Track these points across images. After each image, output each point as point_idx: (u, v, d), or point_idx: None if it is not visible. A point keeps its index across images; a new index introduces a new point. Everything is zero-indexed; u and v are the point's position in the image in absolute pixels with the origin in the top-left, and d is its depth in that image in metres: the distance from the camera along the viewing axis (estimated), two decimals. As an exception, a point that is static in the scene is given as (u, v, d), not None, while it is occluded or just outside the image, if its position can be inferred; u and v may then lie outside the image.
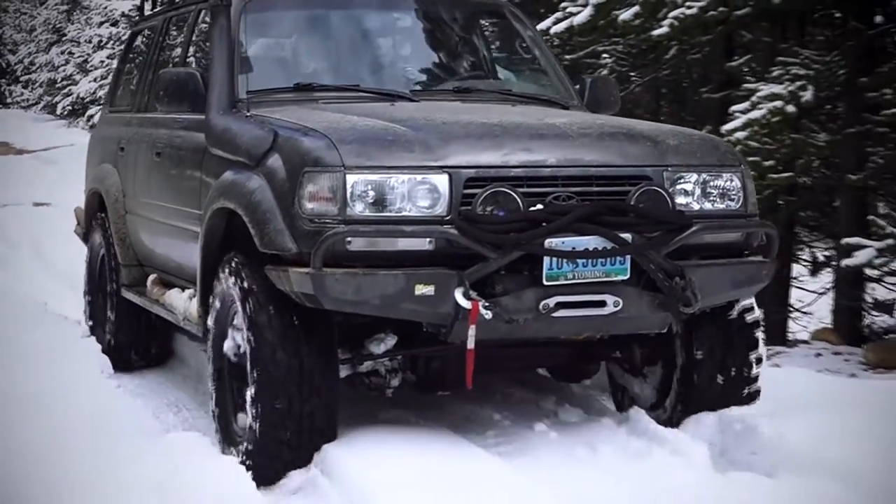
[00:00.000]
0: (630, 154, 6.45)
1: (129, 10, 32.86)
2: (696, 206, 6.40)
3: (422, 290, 5.90)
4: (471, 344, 5.98)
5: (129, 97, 9.54)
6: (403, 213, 6.03)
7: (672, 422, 7.02)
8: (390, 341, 6.43)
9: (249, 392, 6.33)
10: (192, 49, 8.24)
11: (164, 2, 9.74)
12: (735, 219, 6.52)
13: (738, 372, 6.90)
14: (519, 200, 6.01)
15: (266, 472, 6.37)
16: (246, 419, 6.51)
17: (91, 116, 37.16)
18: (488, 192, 5.99)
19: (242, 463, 6.45)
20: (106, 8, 37.47)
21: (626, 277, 6.17)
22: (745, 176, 6.58)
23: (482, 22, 8.60)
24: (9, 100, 59.93)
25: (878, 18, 11.09)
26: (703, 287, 6.17)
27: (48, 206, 21.88)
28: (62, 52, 48.17)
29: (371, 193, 5.99)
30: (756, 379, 6.97)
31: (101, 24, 38.42)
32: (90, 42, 40.75)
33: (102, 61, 37.64)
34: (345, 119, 6.61)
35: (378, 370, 6.64)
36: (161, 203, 8.11)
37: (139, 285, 8.76)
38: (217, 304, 6.81)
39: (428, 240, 5.98)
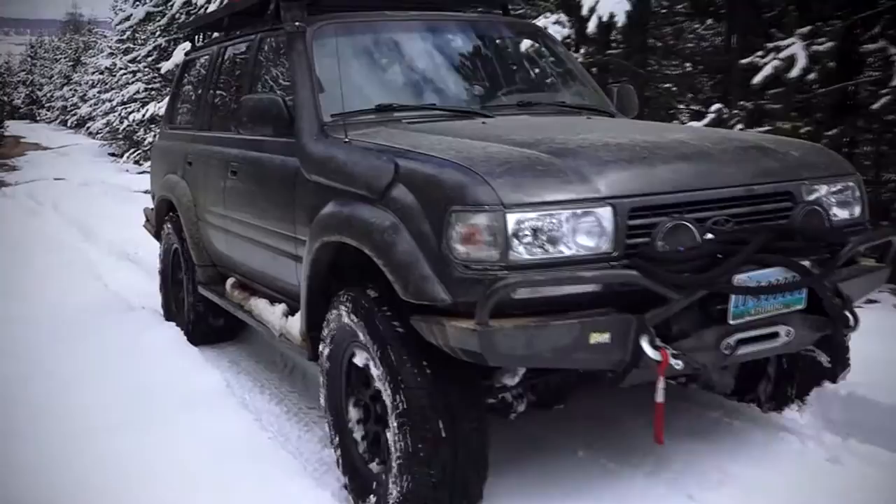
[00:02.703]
0: (770, 170, 3.09)
1: (110, 65, 28.87)
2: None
3: (597, 338, 2.68)
4: (661, 397, 2.77)
5: (190, 116, 5.78)
6: (568, 254, 2.69)
7: (767, 407, 3.79)
8: (521, 370, 3.10)
9: (391, 442, 2.98)
10: (257, 74, 4.63)
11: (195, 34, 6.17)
12: (858, 226, 3.25)
13: (836, 349, 3.64)
14: (695, 231, 2.74)
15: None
16: (377, 466, 3.22)
17: (88, 127, 34.86)
18: (670, 225, 2.71)
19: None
20: (96, 64, 33.61)
21: (802, 307, 2.95)
22: (859, 183, 3.32)
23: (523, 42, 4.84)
24: (38, 118, 56.44)
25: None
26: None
27: (63, 180, 18.89)
28: (70, 89, 45.68)
29: (534, 234, 2.67)
30: (848, 351, 3.69)
31: (94, 72, 34.80)
32: (87, 83, 37.63)
33: (94, 95, 33.84)
34: (469, 145, 3.13)
35: (504, 397, 3.24)
36: (240, 218, 4.53)
37: (214, 283, 5.25)
38: (332, 337, 3.36)
39: None
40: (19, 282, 7.42)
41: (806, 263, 2.85)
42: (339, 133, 3.54)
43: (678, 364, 2.66)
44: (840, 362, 3.63)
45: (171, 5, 17.75)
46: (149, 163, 21.24)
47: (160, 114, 17.23)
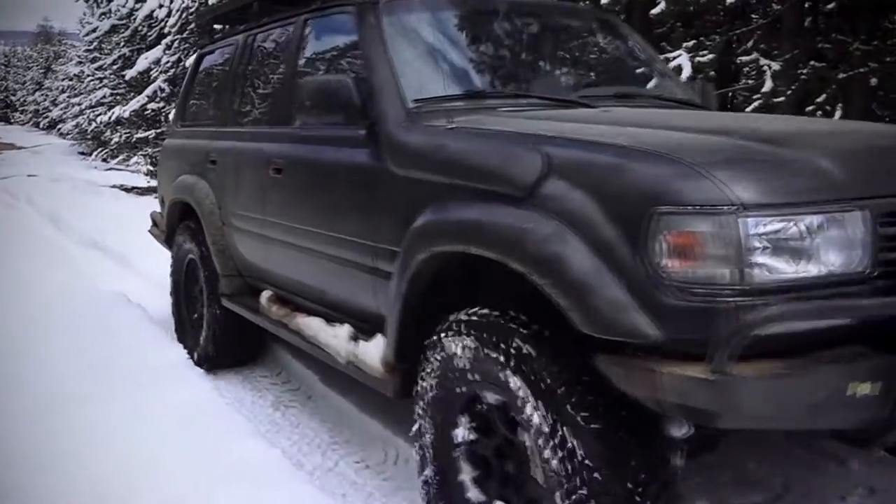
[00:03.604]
0: None
1: (79, 73, 27.21)
2: None
3: (862, 389, 1.48)
4: None
5: (211, 112, 4.27)
6: (816, 273, 1.57)
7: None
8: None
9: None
10: (302, 60, 3.36)
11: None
12: None
13: None
14: None
15: None
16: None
17: (59, 129, 32.89)
18: None
19: None
20: (66, 71, 32.17)
21: None
22: None
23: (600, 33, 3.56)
24: (12, 121, 53.33)
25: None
26: None
27: (36, 177, 17.23)
28: (42, 94, 43.50)
29: (775, 245, 1.52)
30: None
31: (63, 79, 33.35)
32: (57, 89, 35.87)
33: (64, 99, 32.00)
34: (635, 132, 1.98)
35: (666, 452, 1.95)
36: (287, 223, 3.19)
37: (242, 296, 3.82)
38: (440, 373, 2.15)
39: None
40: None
41: None
42: (433, 119, 2.42)
43: None
44: None
45: (134, 19, 16.74)
46: (116, 160, 20.56)
47: (125, 116, 16.06)
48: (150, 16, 15.28)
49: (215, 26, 4.74)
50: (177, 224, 4.40)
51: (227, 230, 3.84)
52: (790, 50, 5.35)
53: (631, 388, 1.68)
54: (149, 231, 5.07)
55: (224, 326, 3.98)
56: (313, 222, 2.94)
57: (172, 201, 4.38)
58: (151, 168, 16.14)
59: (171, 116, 11.48)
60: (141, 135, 16.21)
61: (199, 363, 3.99)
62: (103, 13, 20.63)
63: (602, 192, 1.74)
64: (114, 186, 15.76)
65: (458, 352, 2.07)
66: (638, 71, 3.24)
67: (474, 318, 2.04)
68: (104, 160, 21.38)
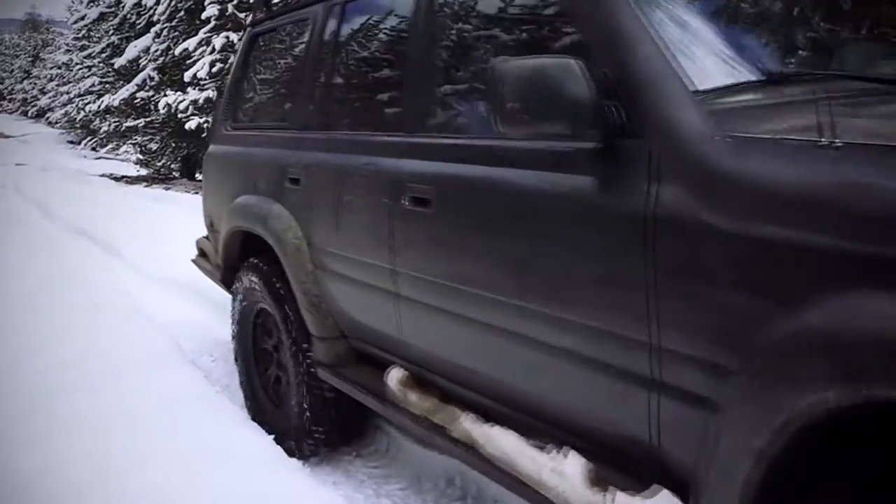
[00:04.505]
0: None
1: (67, 61, 26.89)
2: None
3: None
4: None
5: (283, 110, 2.91)
6: None
7: None
8: None
9: None
10: (439, 39, 2.21)
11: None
12: None
13: None
14: None
15: None
16: None
17: (48, 117, 32.72)
18: None
19: None
20: (54, 59, 32.34)
21: None
22: None
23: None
24: (0, 109, 53.06)
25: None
26: None
27: (24, 165, 16.99)
28: (30, 83, 43.55)
29: None
30: None
31: (52, 67, 33.21)
32: (46, 77, 35.85)
33: (53, 88, 31.73)
34: None
35: None
36: (445, 282, 1.91)
37: (346, 366, 2.55)
38: None
39: None
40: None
41: None
42: (733, 123, 1.33)
43: None
44: None
45: (123, 6, 16.42)
46: (105, 149, 20.26)
47: (114, 105, 15.84)
48: (138, 3, 15.15)
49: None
50: (238, 260, 3.22)
51: (320, 275, 2.61)
52: (779, 39, 5.44)
53: None
54: (193, 261, 3.86)
55: (320, 398, 2.77)
56: (506, 289, 1.76)
57: (233, 230, 3.17)
58: (141, 157, 16.01)
59: (159, 103, 11.40)
60: (130, 123, 15.98)
61: (290, 451, 2.78)
62: (91, 1, 20.50)
63: None
64: (103, 175, 15.67)
65: None
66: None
67: None
68: (93, 149, 21.18)
